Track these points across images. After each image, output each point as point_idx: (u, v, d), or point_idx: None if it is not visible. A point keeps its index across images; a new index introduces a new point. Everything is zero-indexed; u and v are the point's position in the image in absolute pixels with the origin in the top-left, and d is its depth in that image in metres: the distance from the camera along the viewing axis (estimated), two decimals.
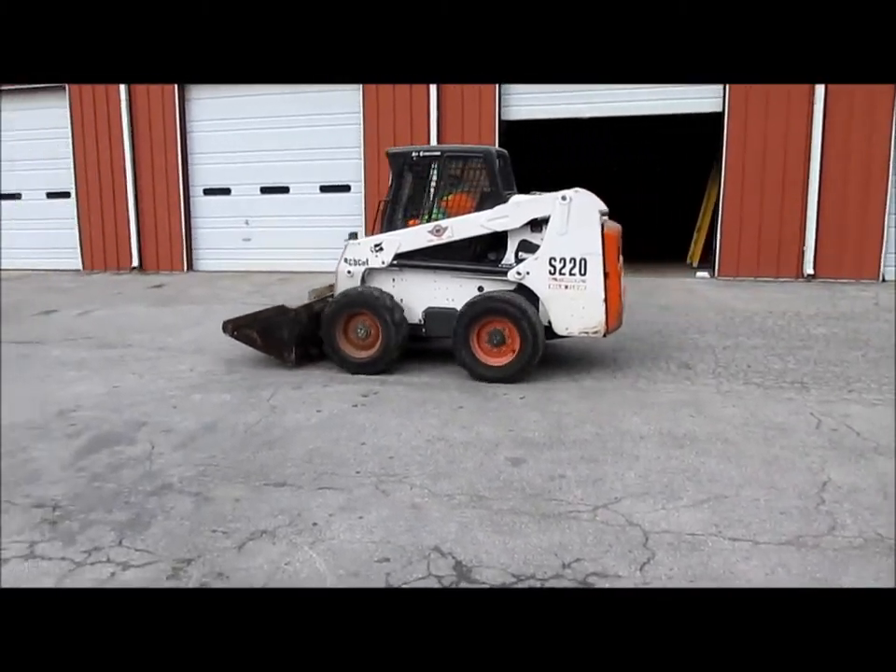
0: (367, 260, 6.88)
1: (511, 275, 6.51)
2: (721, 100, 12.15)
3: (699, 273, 12.77)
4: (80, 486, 4.39)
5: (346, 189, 13.48)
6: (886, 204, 11.35)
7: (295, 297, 10.55)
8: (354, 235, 7.15)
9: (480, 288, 6.67)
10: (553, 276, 6.38)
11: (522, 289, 6.53)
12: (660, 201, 18.89)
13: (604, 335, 6.46)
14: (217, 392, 6.23)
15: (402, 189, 6.98)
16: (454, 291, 6.74)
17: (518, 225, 6.52)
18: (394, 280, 6.90)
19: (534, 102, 13.08)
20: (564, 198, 6.33)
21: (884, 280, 11.30)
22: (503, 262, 6.66)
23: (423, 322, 6.84)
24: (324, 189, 13.64)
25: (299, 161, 13.64)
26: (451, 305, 6.71)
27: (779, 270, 11.92)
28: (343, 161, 13.39)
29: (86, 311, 10.30)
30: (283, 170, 13.77)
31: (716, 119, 12.34)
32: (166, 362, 7.30)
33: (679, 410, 5.66)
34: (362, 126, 13.12)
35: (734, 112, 12.01)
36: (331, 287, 7.53)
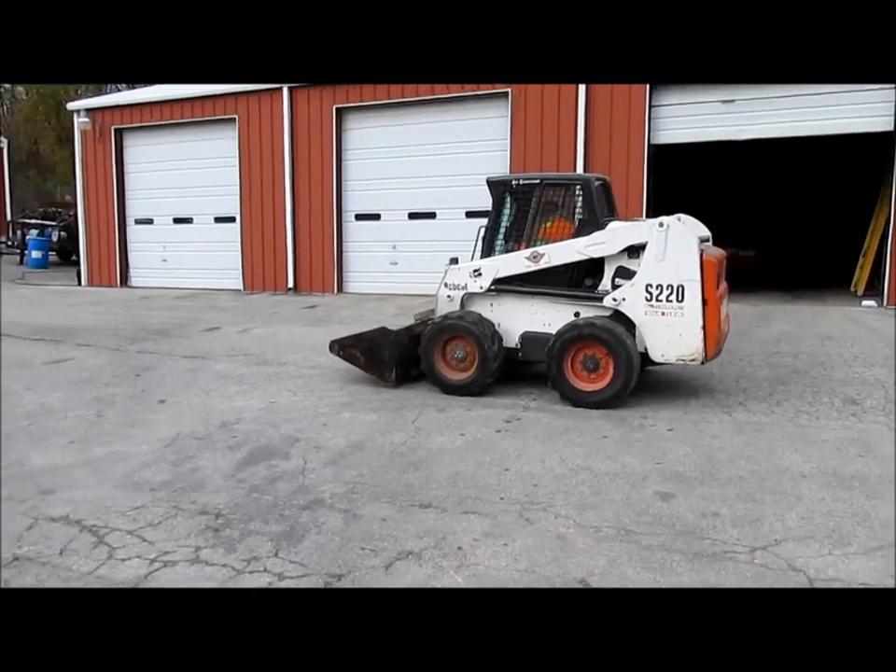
0: (466, 285, 7.06)
1: (608, 301, 6.49)
2: (892, 118, 11.32)
3: (865, 302, 11.88)
4: (240, 497, 4.65)
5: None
6: None
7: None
8: (455, 261, 7.27)
9: (576, 314, 6.70)
10: (650, 303, 6.33)
11: (618, 315, 6.49)
12: (824, 225, 17.75)
13: (702, 363, 6.36)
14: (365, 412, 6.43)
15: (502, 216, 7.13)
16: (550, 316, 6.79)
17: (614, 251, 6.51)
18: (492, 305, 7.04)
19: (685, 125, 12.75)
20: (661, 224, 6.29)
21: None
22: (599, 288, 6.65)
23: (519, 346, 6.93)
24: (469, 214, 13.86)
25: (446, 188, 13.96)
26: (547, 330, 6.74)
27: None
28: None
29: (246, 329, 10.97)
30: (430, 196, 14.14)
31: (885, 138, 11.51)
32: (317, 380, 7.63)
33: (845, 448, 5.26)
34: (509, 152, 13.27)
35: None
36: (433, 311, 7.73)
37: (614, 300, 6.47)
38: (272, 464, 5.21)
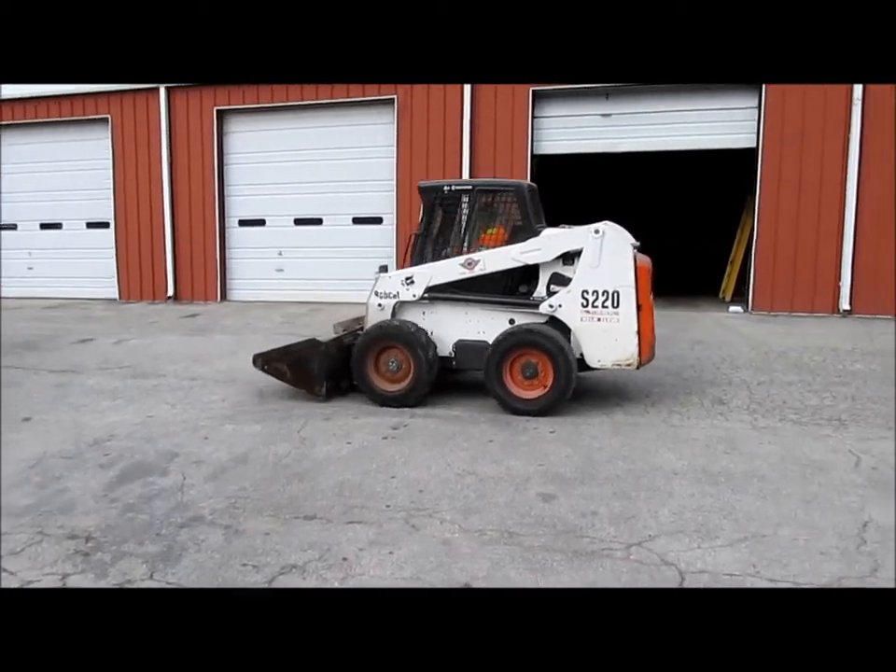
0: (398, 293, 6.89)
1: (544, 308, 6.50)
2: (755, 135, 12.12)
3: (732, 308, 12.65)
4: (113, 517, 4.42)
5: (378, 221, 13.64)
6: None
7: (325, 327, 10.67)
8: (384, 268, 7.17)
9: (511, 321, 6.67)
10: (586, 309, 6.38)
11: (553, 322, 6.52)
12: (693, 235, 18.76)
13: (637, 367, 6.42)
14: (248, 423, 6.26)
15: (433, 222, 7.02)
16: (485, 324, 6.74)
17: (550, 258, 6.52)
18: (424, 313, 6.91)
19: (566, 136, 13.15)
20: (597, 231, 6.35)
21: None
22: (535, 295, 6.67)
23: (453, 354, 6.83)
24: (356, 220, 13.81)
25: (332, 194, 13.86)
26: (482, 338, 6.71)
27: (815, 305, 11.77)
28: (376, 193, 13.58)
29: (121, 340, 10.47)
30: (317, 202, 13.99)
31: (749, 153, 12.31)
32: (198, 392, 7.37)
33: (713, 446, 5.56)
34: (395, 159, 13.30)
35: (768, 147, 11.96)
36: (358, 319, 7.59)
37: (550, 306, 6.48)
38: (148, 481, 4.98)
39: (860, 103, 11.43)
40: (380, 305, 6.98)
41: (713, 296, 14.45)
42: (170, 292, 14.82)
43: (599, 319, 6.35)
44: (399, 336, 6.72)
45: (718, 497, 4.60)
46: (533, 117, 12.92)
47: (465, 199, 6.88)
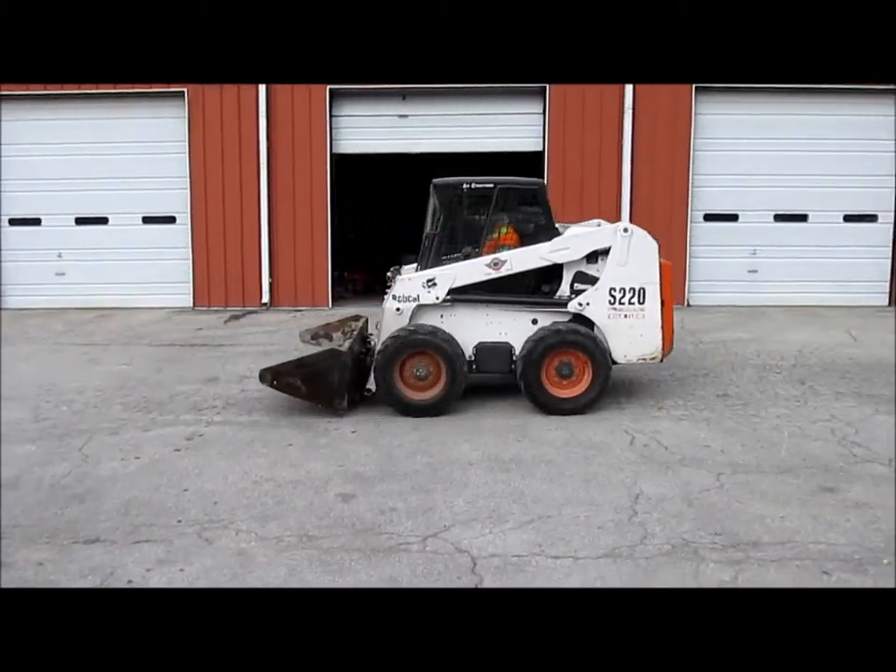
0: (418, 297, 6.50)
1: (572, 306, 6.51)
2: (541, 139, 12.87)
3: None
4: None
5: (172, 220, 12.94)
6: (687, 234, 12.45)
7: (115, 334, 9.97)
8: (398, 270, 6.82)
9: (534, 321, 6.58)
10: (613, 306, 6.46)
11: (578, 320, 6.55)
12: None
13: (661, 360, 6.66)
14: (20, 442, 5.71)
15: (451, 221, 6.73)
16: (507, 325, 6.60)
17: (579, 257, 6.53)
18: (442, 316, 6.59)
19: (365, 136, 13.20)
20: (626, 230, 6.51)
21: (689, 305, 12.30)
22: (559, 294, 6.63)
23: (473, 357, 6.56)
24: (147, 220, 13.00)
25: (119, 191, 12.91)
26: (504, 339, 6.58)
27: None
28: (168, 191, 12.84)
29: None
30: (101, 199, 12.96)
31: (538, 156, 13.05)
32: None
33: (505, 435, 5.85)
34: (188, 155, 12.68)
35: (553, 150, 12.76)
36: (326, 325, 7.45)
37: (579, 304, 6.47)
38: None
39: (630, 111, 12.51)
40: (398, 310, 6.51)
41: None
42: None
43: (626, 316, 6.46)
44: (430, 343, 6.34)
45: (509, 484, 4.85)
46: (331, 116, 12.86)
47: (486, 197, 6.64)
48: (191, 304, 12.62)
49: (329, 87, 12.58)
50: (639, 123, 12.62)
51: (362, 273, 15.48)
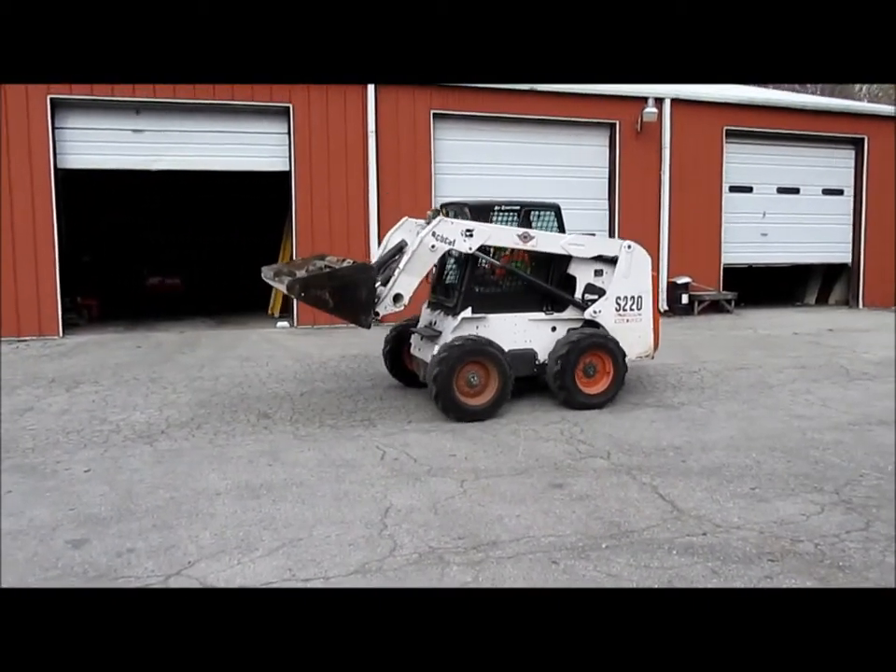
0: (454, 241, 6.92)
1: (588, 313, 7.50)
2: (287, 159, 12.82)
3: (280, 324, 13.19)
4: None
5: None
6: None
7: None
8: (437, 212, 7.27)
9: (553, 329, 7.47)
10: (619, 312, 7.58)
11: (588, 325, 7.52)
12: (244, 255, 18.93)
13: (653, 357, 7.96)
14: None
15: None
16: (531, 333, 7.43)
17: (589, 255, 7.49)
18: (478, 327, 7.22)
19: (96, 150, 12.30)
20: (629, 246, 7.61)
21: None
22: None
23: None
24: None
25: None
26: (529, 346, 7.40)
27: None
28: None
29: None
30: None
31: (285, 176, 12.98)
32: None
33: (257, 460, 5.72)
34: None
35: (300, 170, 12.77)
36: (289, 262, 7.71)
37: (594, 312, 7.50)
38: None
39: (374, 134, 12.91)
40: (433, 247, 6.85)
41: (263, 313, 14.89)
42: None
43: (628, 320, 7.61)
44: (485, 352, 6.90)
45: (259, 510, 4.73)
46: (54, 128, 11.80)
47: (511, 216, 7.42)
48: None
49: (49, 96, 11.56)
50: (383, 145, 13.07)
51: (97, 298, 14.38)
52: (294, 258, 12.65)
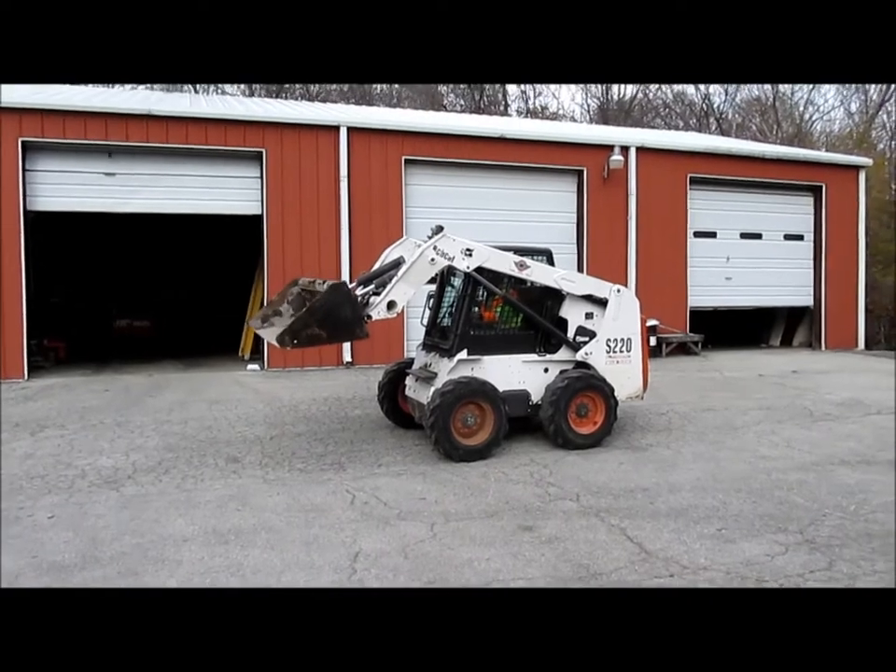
0: (454, 258, 7.08)
1: (580, 355, 7.65)
2: (259, 203, 12.92)
3: (250, 366, 13.13)
4: None
5: None
6: None
7: None
8: (440, 228, 7.23)
9: (545, 370, 7.59)
10: (609, 354, 7.75)
11: (579, 366, 7.63)
12: (216, 298, 18.91)
13: (642, 398, 8.13)
14: None
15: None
16: (524, 374, 7.53)
17: (579, 293, 7.70)
18: (473, 368, 7.31)
19: (67, 193, 12.30)
20: (618, 290, 7.84)
21: None
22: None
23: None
24: None
25: None
26: (523, 387, 7.49)
27: (322, 359, 12.89)
28: None
29: None
30: None
31: (256, 220, 13.06)
32: None
33: (225, 505, 5.66)
34: None
35: (272, 213, 12.86)
36: (269, 303, 7.66)
37: (585, 353, 7.67)
38: None
39: (346, 179, 13.07)
40: (433, 260, 6.98)
41: (234, 355, 14.82)
42: None
43: (618, 362, 7.78)
44: (481, 392, 7.02)
45: (227, 557, 4.69)
46: (24, 170, 11.79)
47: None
48: None
49: (21, 139, 11.59)
50: (355, 190, 13.23)
51: (64, 341, 14.23)
52: (266, 300, 12.66)
